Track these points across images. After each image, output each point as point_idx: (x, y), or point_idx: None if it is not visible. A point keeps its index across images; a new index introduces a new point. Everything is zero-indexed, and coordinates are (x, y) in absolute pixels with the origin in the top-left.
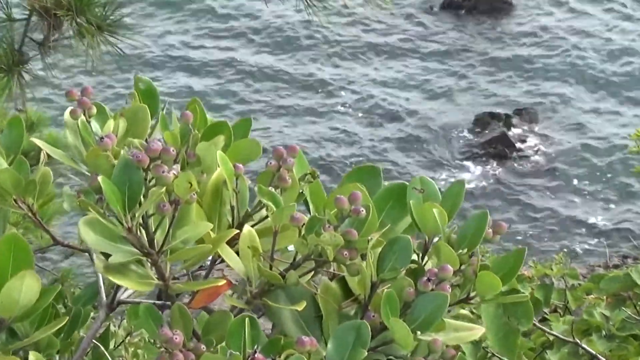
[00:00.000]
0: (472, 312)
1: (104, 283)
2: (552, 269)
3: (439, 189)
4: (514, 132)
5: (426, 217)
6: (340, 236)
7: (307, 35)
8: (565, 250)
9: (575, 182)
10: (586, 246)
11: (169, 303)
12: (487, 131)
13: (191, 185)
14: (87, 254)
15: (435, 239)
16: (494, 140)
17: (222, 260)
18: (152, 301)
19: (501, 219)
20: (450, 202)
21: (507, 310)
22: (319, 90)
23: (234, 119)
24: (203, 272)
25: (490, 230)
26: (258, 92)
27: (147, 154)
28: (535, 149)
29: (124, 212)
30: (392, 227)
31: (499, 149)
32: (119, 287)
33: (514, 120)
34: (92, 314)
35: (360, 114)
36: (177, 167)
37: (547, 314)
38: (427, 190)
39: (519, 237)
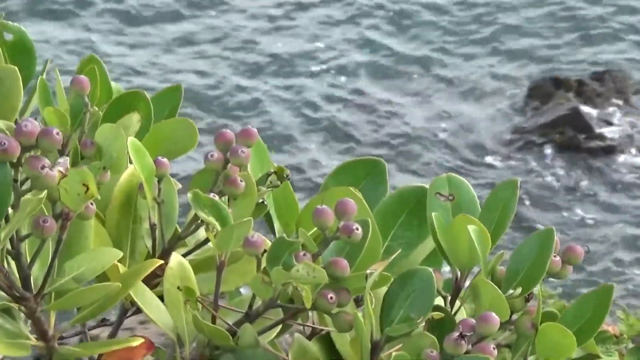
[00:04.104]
0: None
1: None
2: None
3: (477, 196)
4: (592, 108)
5: (457, 238)
6: (323, 270)
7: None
8: None
9: None
10: None
11: None
12: (549, 106)
13: (88, 189)
14: None
15: (473, 273)
16: (560, 121)
17: (138, 310)
18: None
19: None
20: (495, 214)
21: None
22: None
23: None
24: (105, 331)
25: (558, 258)
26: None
27: (17, 140)
28: (627, 134)
29: None
30: (405, 255)
31: (569, 135)
32: None
33: (592, 89)
34: None
35: (354, 80)
36: (66, 161)
37: None
38: (458, 196)
39: (602, 276)
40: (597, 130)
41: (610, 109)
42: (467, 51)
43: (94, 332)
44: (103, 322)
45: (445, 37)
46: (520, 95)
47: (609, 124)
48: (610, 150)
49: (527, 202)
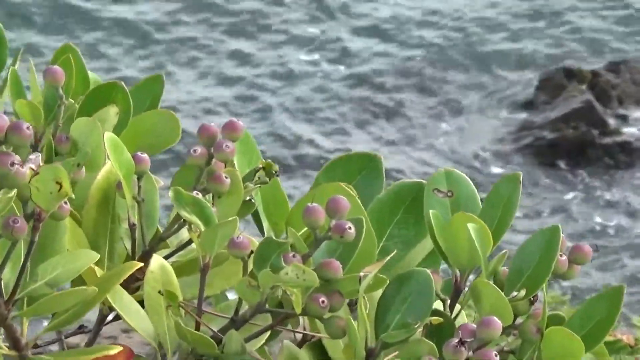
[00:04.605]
0: None
1: None
2: None
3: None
4: (607, 101)
5: (457, 237)
6: (314, 272)
7: None
8: None
9: None
10: None
11: None
12: (560, 99)
13: (61, 187)
14: None
15: (473, 275)
16: (572, 116)
17: (117, 317)
18: None
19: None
20: (497, 211)
21: None
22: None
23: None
24: (84, 339)
25: (564, 257)
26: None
27: None
28: None
29: None
30: (401, 256)
31: (581, 131)
32: None
33: (606, 81)
34: None
35: (348, 74)
36: (38, 157)
37: None
38: (457, 192)
39: (614, 278)
40: (613, 126)
41: (627, 102)
42: (470, 41)
43: (72, 340)
44: (81, 329)
45: (447, 24)
46: (529, 88)
47: (625, 118)
48: (626, 147)
49: (537, 203)
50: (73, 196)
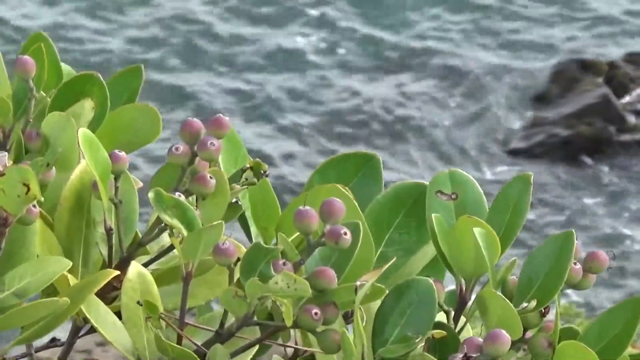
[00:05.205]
0: None
1: None
2: None
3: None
4: (626, 94)
5: (462, 242)
6: (306, 281)
7: None
8: None
9: None
10: None
11: None
12: (574, 93)
13: (29, 189)
14: None
15: (479, 284)
16: (588, 111)
17: (92, 329)
18: None
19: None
20: (505, 215)
21: None
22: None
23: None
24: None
25: (579, 265)
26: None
27: None
28: None
29: None
30: (401, 263)
31: (597, 127)
32: None
33: (624, 73)
34: None
35: (351, 63)
36: (4, 157)
37: None
38: (462, 194)
39: (633, 285)
40: (631, 121)
41: None
42: (477, 31)
43: (43, 354)
44: (53, 343)
45: (451, 13)
46: (541, 80)
47: None
48: None
49: (549, 205)
50: (42, 199)
